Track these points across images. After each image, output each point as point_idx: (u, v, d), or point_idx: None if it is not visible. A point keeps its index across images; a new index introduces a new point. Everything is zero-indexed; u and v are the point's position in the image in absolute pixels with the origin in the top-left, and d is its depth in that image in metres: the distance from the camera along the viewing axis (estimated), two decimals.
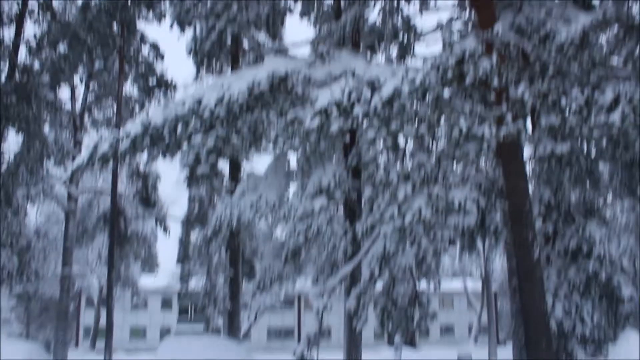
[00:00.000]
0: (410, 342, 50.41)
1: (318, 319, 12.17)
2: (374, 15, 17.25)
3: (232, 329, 22.74)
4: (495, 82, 11.09)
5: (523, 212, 12.07)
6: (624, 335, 9.20)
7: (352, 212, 15.23)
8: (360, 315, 12.39)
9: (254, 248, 25.78)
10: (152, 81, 25.11)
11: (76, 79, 26.63)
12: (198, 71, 20.41)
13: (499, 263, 43.18)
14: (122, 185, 29.45)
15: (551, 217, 16.19)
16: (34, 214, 40.23)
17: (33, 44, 23.29)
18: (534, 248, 11.93)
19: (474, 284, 51.63)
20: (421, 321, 13.50)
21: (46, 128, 23.02)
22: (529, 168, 17.74)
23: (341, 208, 16.77)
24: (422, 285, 18.79)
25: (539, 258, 12.05)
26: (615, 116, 10.89)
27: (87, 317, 55.74)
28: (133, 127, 12.50)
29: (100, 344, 36.96)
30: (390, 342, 46.66)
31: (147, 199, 28.01)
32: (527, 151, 19.52)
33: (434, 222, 10.23)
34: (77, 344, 54.35)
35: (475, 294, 51.47)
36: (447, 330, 61.38)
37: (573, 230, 16.00)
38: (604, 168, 18.18)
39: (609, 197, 23.46)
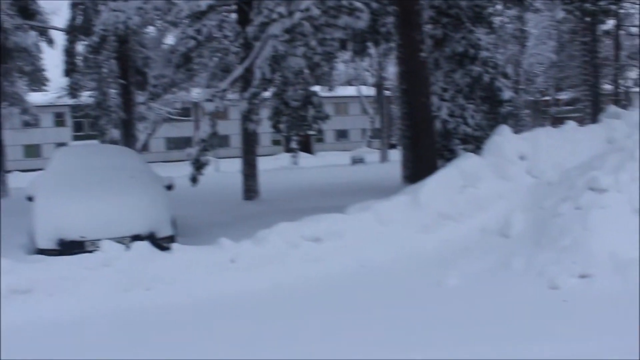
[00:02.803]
0: (306, 149, 52.16)
1: (210, 122, 12.26)
2: None
3: (128, 139, 22.65)
4: None
5: (413, 13, 12.18)
6: (498, 130, 9.87)
7: (244, 15, 14.87)
8: (253, 117, 12.58)
9: (144, 57, 24.98)
10: None
11: None
12: None
13: (393, 71, 44.07)
14: None
15: (441, 22, 16.44)
16: None
17: None
18: (421, 49, 12.22)
19: (368, 90, 52.83)
20: (315, 121, 13.84)
21: None
22: None
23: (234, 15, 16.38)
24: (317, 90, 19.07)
25: (425, 59, 12.40)
26: None
27: None
28: None
29: None
30: (287, 149, 48.07)
31: (26, 8, 26.17)
32: None
33: (324, 22, 10.18)
34: None
35: (369, 100, 52.88)
36: (342, 135, 63.62)
37: (461, 35, 16.38)
38: None
39: (499, 5, 23.97)
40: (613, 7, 16.47)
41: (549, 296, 6.33)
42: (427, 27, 15.76)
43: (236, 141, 54.17)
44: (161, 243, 9.34)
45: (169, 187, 11.00)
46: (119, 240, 8.85)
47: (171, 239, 9.67)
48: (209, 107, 11.83)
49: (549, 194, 8.33)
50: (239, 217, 12.99)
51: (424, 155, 12.32)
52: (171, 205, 10.29)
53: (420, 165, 12.34)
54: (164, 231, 9.66)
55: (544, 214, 7.90)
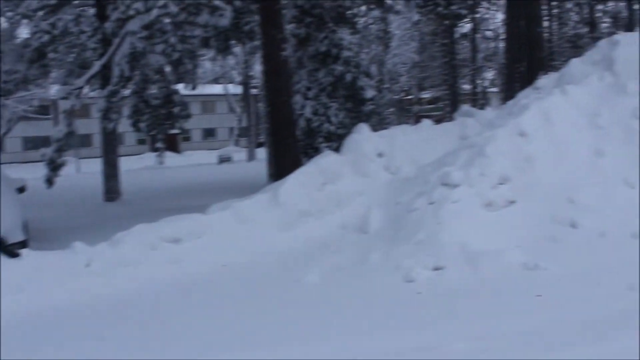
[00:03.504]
0: (172, 148, 51.14)
1: (66, 121, 11.74)
2: None
3: None
4: None
5: (274, 12, 12.23)
6: (357, 128, 10.15)
7: (102, 10, 14.34)
8: (112, 116, 12.17)
9: None
10: None
11: None
12: None
13: (259, 69, 44.02)
14: None
15: (304, 21, 16.62)
16: None
17: None
18: (283, 48, 12.29)
19: (235, 89, 52.47)
20: (177, 120, 13.59)
21: None
22: None
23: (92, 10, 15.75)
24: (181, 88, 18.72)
25: (287, 58, 12.48)
26: None
27: None
28: None
29: None
30: (153, 148, 46.91)
31: None
32: None
33: (183, 20, 10.01)
34: None
35: (236, 99, 52.57)
36: (209, 134, 62.99)
37: (324, 35, 16.64)
38: None
39: (362, 7, 24.60)
40: (464, 12, 17.34)
41: (405, 289, 6.52)
42: (291, 26, 15.89)
43: (99, 140, 52.28)
44: (11, 249, 8.82)
45: (21, 190, 10.42)
46: None
47: (22, 244, 9.14)
48: (65, 104, 11.32)
49: (405, 189, 8.63)
50: (97, 220, 12.55)
51: (287, 153, 12.42)
52: (23, 208, 9.74)
53: (284, 163, 12.41)
54: (14, 236, 9.09)
55: (400, 209, 8.17)
